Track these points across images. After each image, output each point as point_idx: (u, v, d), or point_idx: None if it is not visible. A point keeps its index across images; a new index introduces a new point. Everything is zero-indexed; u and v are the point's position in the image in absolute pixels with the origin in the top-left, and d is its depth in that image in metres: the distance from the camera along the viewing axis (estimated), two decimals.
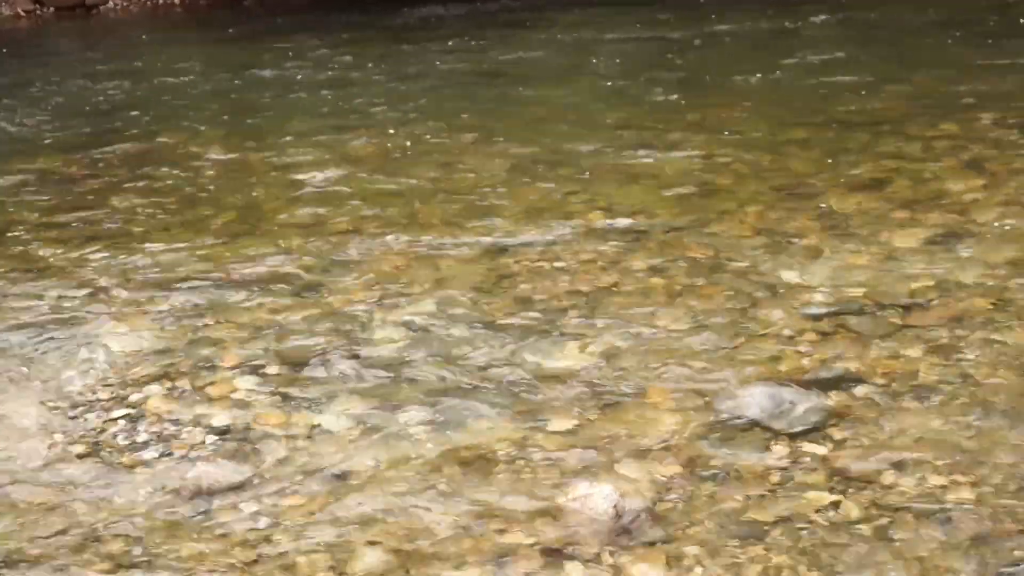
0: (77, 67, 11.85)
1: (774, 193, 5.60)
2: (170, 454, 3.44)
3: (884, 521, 2.93)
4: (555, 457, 3.30)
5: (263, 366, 3.97)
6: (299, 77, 10.21)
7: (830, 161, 6.08)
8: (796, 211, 5.28)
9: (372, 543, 2.96)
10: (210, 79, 10.45)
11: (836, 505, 3.00)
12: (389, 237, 5.29)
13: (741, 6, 12.33)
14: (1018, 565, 2.74)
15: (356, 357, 4.02)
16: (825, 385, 3.61)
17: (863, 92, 7.83)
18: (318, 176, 6.53)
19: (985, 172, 5.68)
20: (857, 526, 2.92)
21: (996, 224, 4.92)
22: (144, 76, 10.74)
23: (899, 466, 3.15)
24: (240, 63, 11.22)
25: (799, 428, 3.38)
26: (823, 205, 5.34)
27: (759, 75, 8.65)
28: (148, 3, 17.17)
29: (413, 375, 3.86)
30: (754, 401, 3.52)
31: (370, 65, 10.59)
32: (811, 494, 3.05)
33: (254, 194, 6.26)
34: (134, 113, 8.99)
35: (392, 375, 3.87)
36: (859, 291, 4.31)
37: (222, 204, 6.08)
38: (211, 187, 6.46)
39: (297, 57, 11.30)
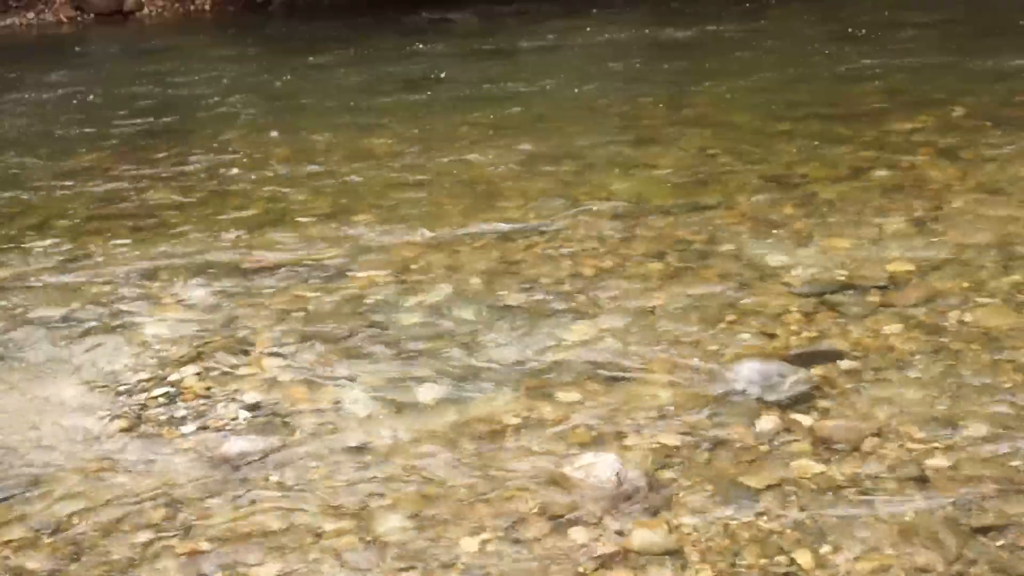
0: (115, 70, 11.83)
1: (762, 182, 5.58)
2: (206, 428, 3.44)
3: (867, 486, 2.92)
4: (561, 428, 3.30)
5: (291, 347, 3.97)
6: (322, 78, 10.18)
7: (814, 152, 6.06)
8: (782, 199, 5.27)
9: (392, 509, 2.96)
10: (238, 81, 10.42)
11: (822, 472, 2.99)
12: (406, 226, 5.28)
13: (726, 8, 12.30)
14: (993, 527, 2.74)
15: (377, 337, 4.01)
16: (811, 360, 3.60)
17: (841, 88, 7.80)
18: (339, 170, 6.52)
19: (959, 160, 5.66)
20: (842, 491, 2.91)
21: (969, 209, 4.90)
22: (177, 78, 10.71)
23: (880, 434, 3.15)
24: (266, 66, 11.20)
25: (787, 400, 3.37)
26: (807, 192, 5.32)
27: (744, 72, 8.62)
28: (180, 9, 17.13)
29: (430, 354, 3.85)
30: (745, 375, 3.52)
31: (385, 67, 10.56)
32: (799, 462, 3.05)
33: (280, 187, 6.24)
34: (168, 113, 8.97)
35: (410, 354, 3.87)
36: (842, 272, 4.30)
37: (251, 196, 6.07)
38: (241, 181, 6.45)
39: (319, 59, 11.27)
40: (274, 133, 7.67)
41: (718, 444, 3.16)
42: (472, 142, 7.02)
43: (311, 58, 11.36)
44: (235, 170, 6.70)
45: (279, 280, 4.67)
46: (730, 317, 3.98)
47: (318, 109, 8.72)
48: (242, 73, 10.87)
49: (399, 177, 6.27)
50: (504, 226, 5.17)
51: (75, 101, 9.76)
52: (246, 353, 3.95)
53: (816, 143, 6.24)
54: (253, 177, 6.50)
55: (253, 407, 3.55)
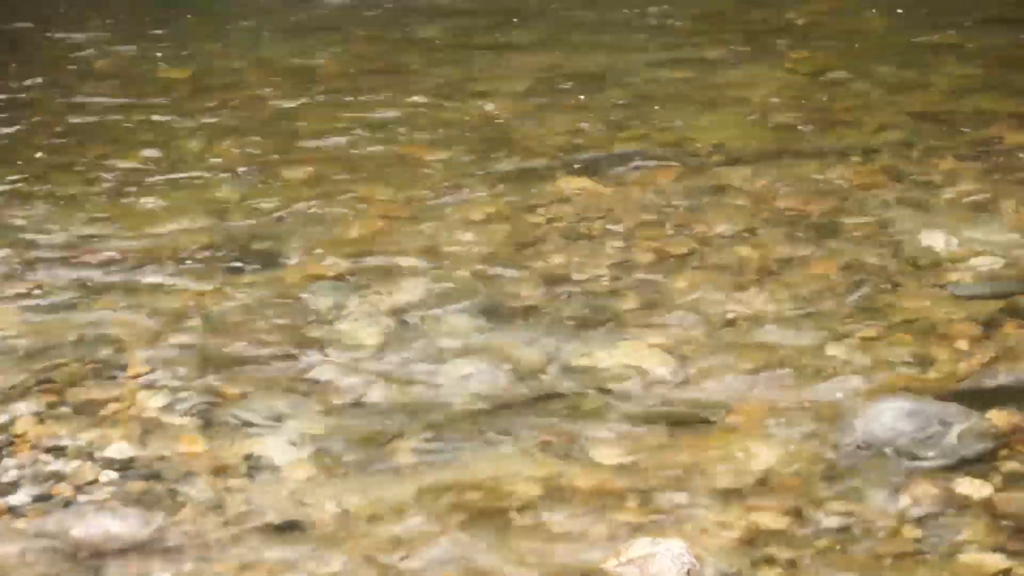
0: None
1: (913, 121, 5.58)
2: (49, 498, 3.40)
3: None
4: (602, 501, 3.27)
5: (182, 372, 3.96)
6: None
7: (993, 76, 6.04)
8: (945, 148, 5.26)
9: None
10: None
11: (1007, 572, 2.96)
12: (364, 188, 5.29)
13: None
14: None
15: (316, 358, 4.01)
16: (989, 398, 3.59)
17: None
18: (264, 101, 6.51)
19: None
20: None
21: None
22: None
23: None
24: None
25: (952, 460, 3.34)
26: (983, 138, 5.32)
27: None
28: None
29: (397, 384, 3.85)
30: (887, 421, 3.49)
31: None
32: (970, 556, 3.01)
33: (172, 128, 6.23)
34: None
35: (368, 383, 3.85)
36: None
37: (126, 140, 6.06)
38: (110, 115, 6.43)
39: None
40: (157, 45, 7.65)
41: (844, 527, 3.13)
42: (468, 62, 7.00)
43: None
44: (99, 98, 6.68)
45: (166, 268, 4.66)
46: (863, 331, 3.97)
47: (224, 13, 8.70)
48: None
49: (354, 114, 6.26)
50: (515, 186, 5.18)
51: None
52: (113, 381, 3.93)
53: (997, 63, 6.22)
54: (129, 110, 6.48)
55: (123, 466, 3.52)
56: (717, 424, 3.57)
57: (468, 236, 4.80)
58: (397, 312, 4.28)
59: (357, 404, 3.77)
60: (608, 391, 3.77)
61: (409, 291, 4.42)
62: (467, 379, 3.87)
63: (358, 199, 5.18)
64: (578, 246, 4.66)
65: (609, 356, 3.94)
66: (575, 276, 4.45)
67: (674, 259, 4.52)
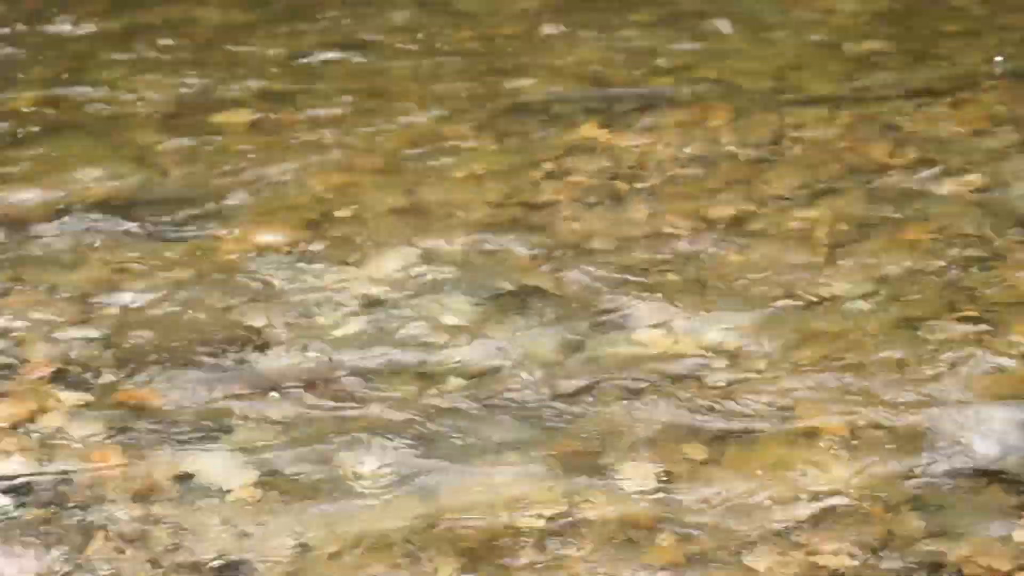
0: None
1: None
2: None
3: None
4: (627, 533, 3.26)
5: (96, 369, 3.96)
6: None
7: None
8: None
9: None
10: None
11: None
12: (329, 133, 5.30)
13: None
14: None
15: (264, 352, 4.01)
16: None
17: None
18: (201, 19, 6.50)
19: None
20: None
21: None
22: None
23: None
24: None
25: None
26: None
27: None
28: None
29: (369, 381, 3.85)
30: (993, 434, 3.48)
31: None
32: None
33: (83, 51, 6.23)
34: None
35: (330, 386, 3.85)
36: None
37: (29, 78, 6.07)
38: (9, 47, 6.44)
39: None
40: None
41: (935, 568, 3.12)
42: None
43: None
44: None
45: (73, 234, 4.68)
46: (961, 321, 3.98)
47: None
48: None
49: (315, 37, 6.29)
50: (519, 133, 5.20)
51: None
52: (9, 380, 3.94)
53: None
54: (28, 37, 6.49)
55: (20, 488, 3.51)
56: (772, 436, 3.56)
57: (458, 196, 4.81)
58: (367, 293, 4.29)
59: (315, 408, 3.77)
60: (635, 393, 3.77)
61: (383, 266, 4.42)
62: (458, 377, 3.88)
63: (318, 146, 5.18)
64: (597, 210, 4.67)
65: (636, 350, 3.96)
66: (594, 248, 4.46)
67: (720, 226, 4.54)
